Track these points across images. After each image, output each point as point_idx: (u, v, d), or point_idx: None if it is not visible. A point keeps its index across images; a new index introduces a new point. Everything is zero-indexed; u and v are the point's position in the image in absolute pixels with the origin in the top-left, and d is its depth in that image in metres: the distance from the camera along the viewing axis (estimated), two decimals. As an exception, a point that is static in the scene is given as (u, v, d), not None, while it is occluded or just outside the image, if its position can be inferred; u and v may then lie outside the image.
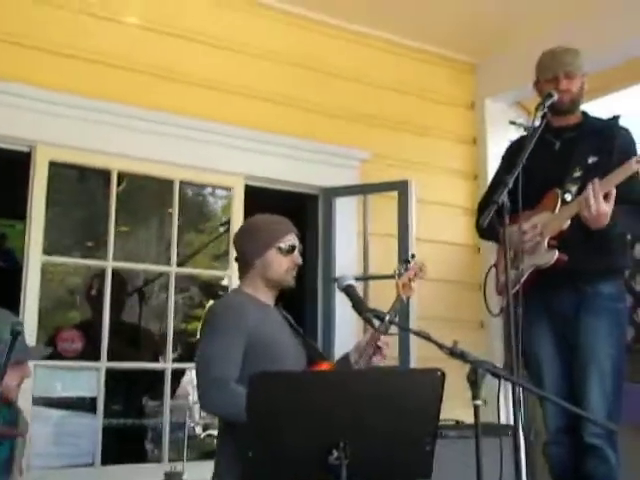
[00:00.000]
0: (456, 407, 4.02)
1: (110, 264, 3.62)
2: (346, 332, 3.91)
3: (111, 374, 3.57)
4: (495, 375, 2.36)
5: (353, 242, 4.20)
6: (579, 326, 3.20)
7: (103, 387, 3.49)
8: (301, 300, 4.15)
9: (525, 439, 4.09)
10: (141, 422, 4.40)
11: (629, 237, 3.44)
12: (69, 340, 3.95)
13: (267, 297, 2.79)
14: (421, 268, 3.13)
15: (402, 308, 3.78)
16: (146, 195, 5.01)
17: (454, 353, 2.39)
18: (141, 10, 3.85)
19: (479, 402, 2.34)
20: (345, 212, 4.21)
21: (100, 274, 3.82)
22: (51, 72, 3.53)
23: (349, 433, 2.02)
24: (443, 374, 2.05)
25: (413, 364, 3.80)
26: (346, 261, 4.13)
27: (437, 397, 2.06)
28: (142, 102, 3.73)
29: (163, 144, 3.75)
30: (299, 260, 2.81)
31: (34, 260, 3.41)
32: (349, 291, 2.56)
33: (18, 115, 3.40)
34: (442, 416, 3.88)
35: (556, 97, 3.23)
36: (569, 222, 3.13)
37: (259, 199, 4.01)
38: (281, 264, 2.75)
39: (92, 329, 3.79)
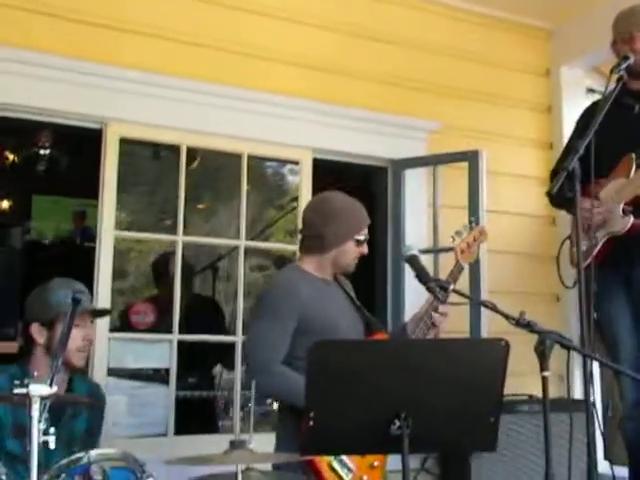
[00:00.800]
0: (530, 382, 3.96)
1: (180, 238, 3.67)
2: (416, 306, 3.85)
3: (185, 346, 3.64)
4: (563, 346, 2.30)
5: (423, 215, 4.14)
6: (658, 297, 3.10)
7: (175, 359, 3.55)
8: (372, 273, 4.13)
9: (603, 414, 4.02)
10: (214, 393, 4.47)
11: None
12: (142, 313, 4.05)
13: (328, 275, 2.83)
14: (481, 232, 3.06)
15: (473, 280, 3.75)
16: (218, 170, 5.06)
17: (520, 323, 2.34)
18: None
19: (547, 373, 2.29)
20: (414, 184, 4.15)
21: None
22: (119, 49, 3.58)
23: (411, 404, 1.99)
24: (507, 344, 1.99)
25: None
26: (416, 234, 4.08)
27: (501, 368, 2.00)
28: (209, 77, 3.74)
29: (231, 118, 3.76)
30: (366, 251, 2.84)
31: (106, 235, 3.48)
32: (412, 261, 2.53)
33: (89, 92, 3.46)
34: (516, 390, 3.87)
35: (632, 59, 3.11)
36: (644, 187, 3.02)
37: (328, 172, 4.00)
38: (354, 254, 2.80)
39: (165, 302, 3.85)
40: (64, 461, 2.01)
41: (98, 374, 3.35)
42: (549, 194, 3.17)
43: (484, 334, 3.72)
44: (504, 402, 3.76)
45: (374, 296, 4.14)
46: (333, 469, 2.56)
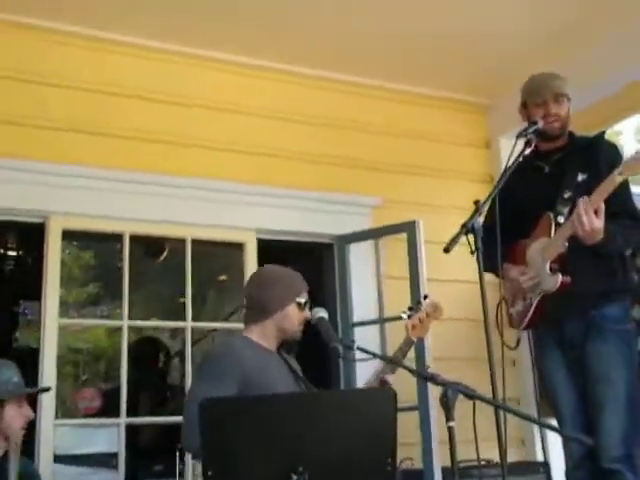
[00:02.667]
0: (487, 447, 3.96)
1: (125, 323, 3.76)
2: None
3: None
4: (467, 396, 2.35)
5: (369, 287, 4.23)
6: (588, 351, 3.14)
7: (124, 443, 3.58)
8: (323, 346, 4.16)
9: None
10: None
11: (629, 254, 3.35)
12: (88, 398, 4.08)
13: (272, 345, 2.84)
14: (435, 308, 3.13)
15: (417, 349, 3.81)
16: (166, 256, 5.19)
17: (423, 376, 2.40)
18: (140, 80, 4.07)
19: (452, 424, 2.33)
20: (359, 258, 4.27)
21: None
22: (60, 147, 3.76)
23: (307, 457, 2.03)
24: (394, 393, 2.05)
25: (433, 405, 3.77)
26: (363, 305, 4.16)
27: (392, 415, 2.05)
28: (150, 167, 3.92)
29: (173, 205, 3.92)
30: (309, 315, 2.85)
31: (50, 323, 3.57)
32: (320, 322, 2.60)
33: (30, 189, 3.63)
34: (471, 456, 3.85)
35: (541, 124, 3.24)
36: (566, 244, 3.10)
37: (273, 251, 4.11)
38: (297, 318, 2.82)
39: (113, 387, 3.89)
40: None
41: (44, 461, 3.38)
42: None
43: (432, 401, 3.75)
44: (460, 468, 3.82)
45: (327, 369, 4.18)
46: None
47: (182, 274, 3.96)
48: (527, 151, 3.20)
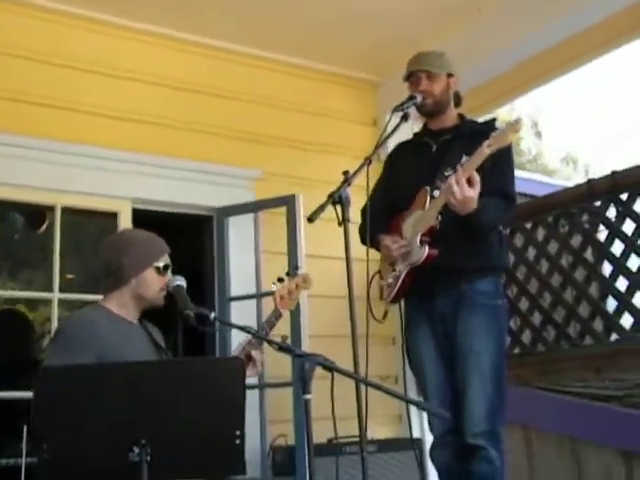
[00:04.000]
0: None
1: (-13, 293, 3.57)
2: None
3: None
4: (326, 368, 2.31)
5: (248, 261, 4.15)
6: (457, 325, 3.16)
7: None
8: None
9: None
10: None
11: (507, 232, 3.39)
12: None
13: (132, 314, 2.72)
14: (304, 279, 3.08)
15: (294, 326, 3.77)
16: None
17: (282, 348, 2.35)
18: (22, 40, 3.86)
19: (308, 396, 2.29)
20: (239, 231, 4.18)
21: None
22: None
23: (150, 429, 1.96)
24: (242, 362, 1.99)
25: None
26: (241, 279, 4.09)
27: (240, 386, 1.99)
28: (19, 130, 3.71)
29: (42, 170, 3.72)
30: (170, 280, 2.72)
31: None
32: (176, 290, 2.51)
33: None
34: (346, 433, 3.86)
35: (419, 99, 3.25)
36: (439, 217, 3.11)
37: (151, 223, 3.96)
38: (156, 283, 2.70)
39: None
40: None
41: None
42: (360, 233, 3.25)
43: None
44: (334, 444, 3.81)
45: (203, 342, 4.10)
46: None
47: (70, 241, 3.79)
48: (408, 122, 3.22)
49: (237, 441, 2.01)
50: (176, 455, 1.99)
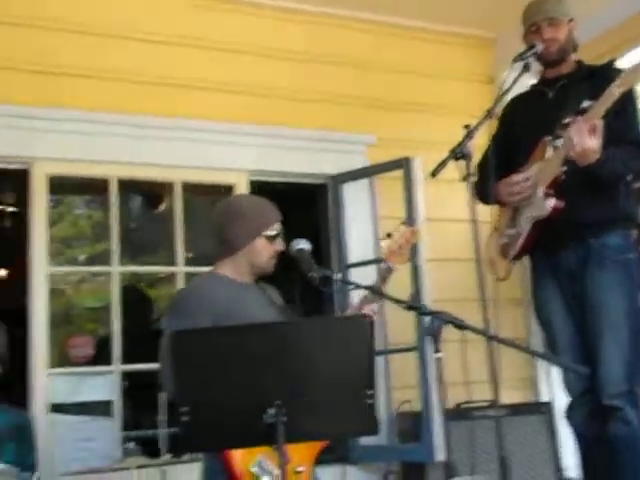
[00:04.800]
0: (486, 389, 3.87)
1: (116, 269, 3.69)
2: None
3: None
4: (456, 326, 2.26)
5: (365, 227, 4.13)
6: (586, 282, 3.04)
7: (118, 390, 3.55)
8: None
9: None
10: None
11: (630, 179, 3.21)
12: (80, 346, 4.04)
13: (246, 278, 2.74)
14: (413, 233, 3.02)
15: (416, 290, 3.73)
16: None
17: (410, 306, 2.32)
18: (127, 19, 3.92)
19: (440, 355, 2.26)
20: (354, 198, 4.16)
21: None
22: (44, 90, 3.64)
23: (283, 390, 1.96)
24: (371, 320, 1.96)
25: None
26: (359, 246, 4.07)
27: (368, 345, 1.97)
28: (136, 109, 3.79)
29: (162, 148, 3.81)
30: (282, 247, 2.75)
31: (39, 271, 3.50)
32: (299, 254, 2.52)
33: (13, 134, 3.53)
34: (473, 398, 3.79)
35: (540, 47, 3.14)
36: (562, 168, 2.98)
37: (265, 194, 3.99)
38: (266, 251, 2.72)
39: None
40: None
41: (38, 411, 3.34)
42: (477, 192, 3.15)
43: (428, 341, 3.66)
44: (461, 409, 3.75)
45: (322, 312, 4.11)
46: (253, 475, 2.46)
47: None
48: (525, 76, 3.11)
49: (369, 400, 2.00)
50: (310, 416, 1.99)
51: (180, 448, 2.00)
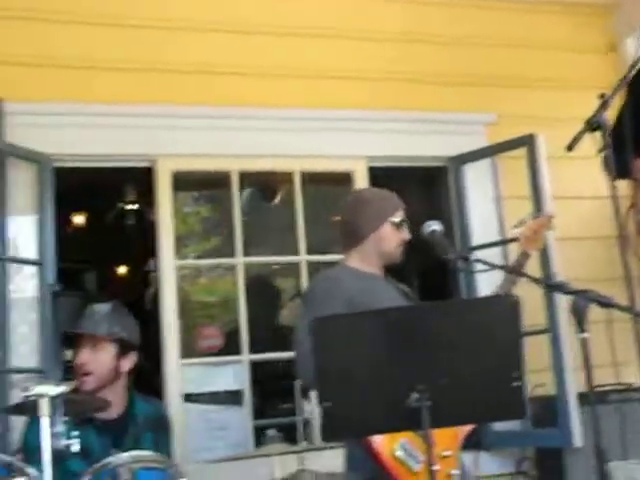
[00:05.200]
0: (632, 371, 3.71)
1: (241, 260, 3.73)
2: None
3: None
4: (602, 304, 2.16)
5: (488, 208, 4.03)
6: None
7: (248, 380, 3.59)
8: (442, 273, 4.02)
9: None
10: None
11: None
12: (210, 337, 4.11)
13: (374, 269, 2.74)
14: (548, 219, 2.95)
15: (545, 271, 3.60)
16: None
17: (550, 285, 2.23)
18: (236, 13, 3.95)
19: (586, 335, 2.15)
20: (476, 179, 4.05)
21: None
22: (162, 88, 3.72)
23: (426, 373, 1.92)
24: (517, 299, 1.89)
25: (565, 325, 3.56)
26: (483, 228, 3.97)
27: (515, 325, 1.90)
28: (252, 101, 3.83)
29: (280, 139, 3.82)
30: (408, 235, 2.75)
31: (167, 265, 3.59)
32: (433, 236, 2.46)
33: (136, 133, 3.63)
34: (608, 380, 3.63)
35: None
36: None
37: (383, 180, 3.96)
38: (393, 239, 2.73)
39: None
40: (94, 466, 2.05)
41: (172, 400, 3.43)
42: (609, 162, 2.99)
43: (563, 321, 3.55)
44: (607, 392, 3.60)
45: (446, 295, 4.04)
46: (398, 460, 2.43)
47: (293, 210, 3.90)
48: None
49: (516, 383, 1.93)
50: (455, 400, 1.94)
51: (323, 436, 1.97)
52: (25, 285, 3.37)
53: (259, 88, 3.88)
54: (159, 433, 2.83)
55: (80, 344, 2.73)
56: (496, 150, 3.98)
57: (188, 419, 3.52)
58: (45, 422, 1.82)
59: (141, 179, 4.00)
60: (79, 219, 6.38)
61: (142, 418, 2.81)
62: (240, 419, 3.60)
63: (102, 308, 2.79)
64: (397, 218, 2.73)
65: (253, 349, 3.65)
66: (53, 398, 1.84)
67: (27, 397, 1.85)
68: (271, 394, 4.47)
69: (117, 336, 2.77)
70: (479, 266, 2.39)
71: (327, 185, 4.30)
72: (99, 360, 2.73)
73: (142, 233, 6.26)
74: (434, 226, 2.54)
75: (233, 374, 3.65)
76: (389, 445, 2.38)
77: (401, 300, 2.71)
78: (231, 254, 3.78)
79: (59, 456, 2.35)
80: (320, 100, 3.96)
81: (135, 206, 6.13)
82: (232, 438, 3.62)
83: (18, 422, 2.98)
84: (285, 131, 3.85)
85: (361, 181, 3.94)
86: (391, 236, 2.72)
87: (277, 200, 5.77)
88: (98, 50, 3.66)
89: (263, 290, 4.73)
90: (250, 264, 4.02)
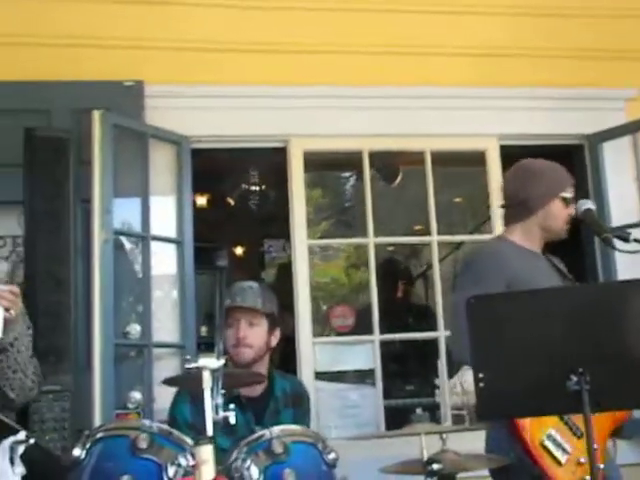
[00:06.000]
0: None
1: (371, 240, 3.73)
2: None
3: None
4: None
5: (628, 188, 3.86)
6: None
7: (379, 359, 3.59)
8: (577, 252, 3.89)
9: None
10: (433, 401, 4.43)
11: None
12: (342, 316, 4.13)
13: (536, 246, 2.65)
14: None
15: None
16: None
17: None
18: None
19: None
20: (615, 157, 3.89)
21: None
22: (294, 70, 3.75)
23: (587, 355, 1.86)
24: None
25: None
26: (621, 208, 3.81)
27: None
28: (381, 80, 3.81)
29: (410, 117, 3.79)
30: (578, 204, 2.61)
31: (300, 245, 3.63)
32: (587, 215, 2.37)
33: (270, 114, 3.67)
34: None
35: None
36: None
37: (515, 159, 3.86)
38: (562, 216, 2.61)
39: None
40: (248, 438, 2.10)
41: (306, 378, 3.46)
42: None
43: None
44: None
45: (583, 276, 3.92)
46: (546, 449, 2.36)
47: (422, 190, 3.86)
48: None
49: (682, 367, 1.84)
50: (616, 384, 1.87)
51: (479, 414, 1.94)
52: (165, 263, 3.47)
53: (389, 67, 3.85)
54: (298, 409, 2.86)
55: (237, 318, 2.77)
56: (637, 127, 3.80)
57: (320, 397, 3.55)
58: (207, 394, 1.86)
59: (263, 161, 4.05)
60: (201, 200, 6.55)
61: (282, 394, 2.84)
62: (371, 398, 3.60)
63: (252, 285, 2.85)
64: (568, 194, 2.61)
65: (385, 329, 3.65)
66: (214, 371, 1.88)
67: (189, 369, 1.90)
68: (394, 375, 4.47)
69: (270, 311, 2.82)
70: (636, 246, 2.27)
71: (459, 164, 4.22)
72: (257, 334, 2.79)
73: (261, 214, 6.39)
74: (588, 204, 2.44)
75: (365, 353, 3.65)
76: (537, 433, 2.31)
77: (557, 279, 2.60)
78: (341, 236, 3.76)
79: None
80: (451, 78, 3.90)
81: (257, 188, 6.21)
82: (363, 417, 3.64)
83: (162, 394, 3.11)
84: (416, 110, 3.81)
85: (492, 160, 3.86)
86: (560, 212, 2.60)
87: (398, 181, 5.75)
88: (232, 33, 3.72)
89: (389, 270, 4.72)
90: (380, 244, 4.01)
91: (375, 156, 3.88)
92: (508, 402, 1.94)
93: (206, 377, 1.87)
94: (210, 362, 1.88)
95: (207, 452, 1.51)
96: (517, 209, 2.63)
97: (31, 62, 3.44)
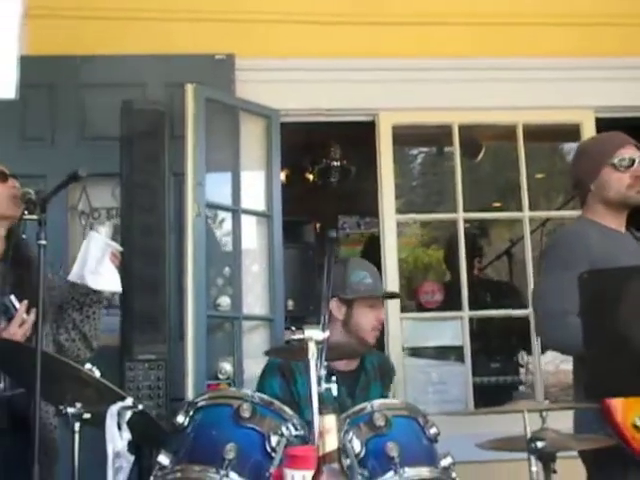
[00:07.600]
0: None
1: (461, 215, 3.67)
2: None
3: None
4: None
5: None
6: None
7: (468, 336, 3.55)
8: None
9: None
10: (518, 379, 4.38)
11: None
12: (430, 292, 4.10)
13: (613, 221, 2.56)
14: None
15: None
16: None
17: None
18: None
19: None
20: None
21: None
22: (380, 42, 3.71)
23: None
24: None
25: None
26: None
27: None
28: (474, 52, 3.74)
29: (501, 90, 3.72)
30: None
31: (388, 220, 3.60)
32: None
33: (358, 87, 3.65)
34: None
35: None
36: None
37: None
38: (619, 181, 2.50)
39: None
40: (349, 411, 2.09)
41: (393, 353, 3.45)
42: None
43: None
44: None
45: None
46: (638, 429, 2.32)
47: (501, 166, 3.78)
48: None
49: None
50: None
51: (587, 393, 1.89)
52: (255, 236, 3.49)
53: (479, 38, 3.78)
54: (385, 382, 2.86)
55: (376, 303, 2.81)
56: None
57: (408, 373, 3.53)
58: (312, 365, 1.85)
59: (346, 136, 3.98)
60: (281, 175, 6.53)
61: (371, 368, 2.84)
62: (458, 375, 3.56)
63: (374, 268, 2.86)
64: (616, 158, 2.51)
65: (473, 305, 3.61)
66: (318, 342, 1.87)
67: (294, 340, 1.90)
68: (479, 352, 4.43)
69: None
70: None
71: (552, 137, 4.12)
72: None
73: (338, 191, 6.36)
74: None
75: (453, 330, 3.61)
76: (629, 415, 2.25)
77: None
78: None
79: (297, 405, 2.44)
80: (541, 48, 3.80)
81: (338, 163, 6.17)
82: (450, 394, 3.61)
83: (250, 366, 3.15)
84: (506, 82, 3.73)
85: (588, 132, 3.73)
86: (612, 179, 2.50)
87: (480, 157, 5.65)
88: (323, 5, 3.70)
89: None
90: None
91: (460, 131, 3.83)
92: (619, 380, 1.88)
93: (312, 348, 1.86)
94: (316, 333, 1.88)
95: (331, 421, 1.50)
96: (578, 190, 2.64)
97: (125, 36, 3.48)
